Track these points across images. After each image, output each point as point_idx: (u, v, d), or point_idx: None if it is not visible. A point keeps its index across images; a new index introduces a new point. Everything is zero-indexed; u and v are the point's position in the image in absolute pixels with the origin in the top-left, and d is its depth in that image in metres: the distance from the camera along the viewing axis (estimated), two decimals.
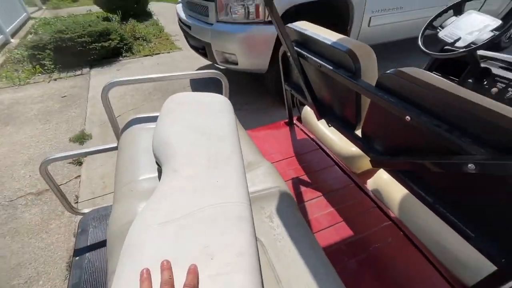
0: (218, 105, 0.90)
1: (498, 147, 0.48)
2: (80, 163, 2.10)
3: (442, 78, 0.60)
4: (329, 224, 0.92)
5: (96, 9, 6.32)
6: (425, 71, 0.64)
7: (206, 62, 3.48)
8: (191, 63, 3.80)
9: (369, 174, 1.11)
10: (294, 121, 1.47)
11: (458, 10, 1.28)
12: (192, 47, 2.87)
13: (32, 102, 2.94)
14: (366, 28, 2.59)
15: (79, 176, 1.99)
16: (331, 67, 0.81)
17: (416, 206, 0.87)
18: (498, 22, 1.10)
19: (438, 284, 0.76)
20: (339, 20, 2.50)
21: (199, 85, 3.21)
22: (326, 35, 0.86)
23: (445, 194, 0.64)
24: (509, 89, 1.25)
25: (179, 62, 3.90)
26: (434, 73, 1.61)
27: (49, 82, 3.37)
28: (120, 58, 4.05)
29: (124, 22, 5.20)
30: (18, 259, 1.46)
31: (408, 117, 0.60)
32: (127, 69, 3.74)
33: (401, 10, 2.66)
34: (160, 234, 0.49)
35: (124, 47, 4.15)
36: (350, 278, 0.77)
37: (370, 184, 1.06)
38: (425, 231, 0.84)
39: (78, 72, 3.57)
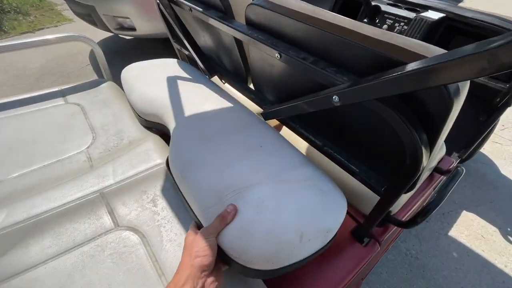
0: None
1: (361, 73, 0.44)
2: None
3: (307, 3, 0.52)
4: None
5: None
6: None
7: (109, 33, 2.94)
8: (90, 37, 3.17)
9: (278, 127, 1.07)
10: None
11: None
12: (77, 14, 2.35)
13: None
14: None
15: None
16: (200, 9, 0.67)
17: (317, 152, 0.86)
18: None
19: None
20: None
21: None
22: None
23: (330, 135, 0.62)
24: (396, 24, 1.31)
25: None
26: None
27: None
28: None
29: None
30: None
31: (277, 54, 0.52)
32: None
33: None
34: None
35: None
36: None
37: None
38: (329, 173, 0.85)
39: None
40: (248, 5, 0.57)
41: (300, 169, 0.57)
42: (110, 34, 2.97)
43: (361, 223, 0.78)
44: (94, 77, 2.57)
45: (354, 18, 1.49)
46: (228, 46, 0.76)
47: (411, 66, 0.32)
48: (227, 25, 0.61)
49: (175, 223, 0.60)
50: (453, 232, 1.45)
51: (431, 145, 0.43)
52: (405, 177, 0.47)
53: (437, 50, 0.35)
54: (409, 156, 0.43)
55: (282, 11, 0.50)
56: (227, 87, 0.95)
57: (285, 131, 1.01)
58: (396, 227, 0.78)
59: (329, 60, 0.48)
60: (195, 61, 0.96)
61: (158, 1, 0.81)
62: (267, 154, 0.58)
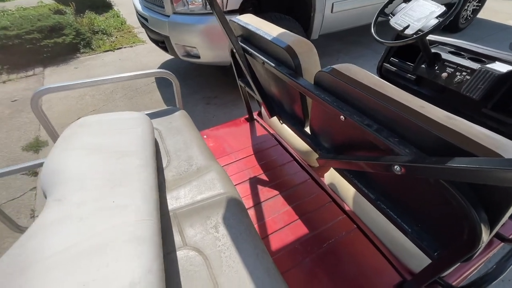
0: (131, 122, 0.83)
1: (424, 148, 0.48)
2: (35, 174, 1.95)
3: (373, 76, 0.58)
4: (285, 224, 0.91)
5: (48, 0, 5.79)
6: (358, 68, 0.62)
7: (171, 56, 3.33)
8: (156, 57, 3.62)
9: (326, 167, 1.11)
10: (255, 116, 1.43)
11: None
12: (152, 40, 2.72)
13: None
14: (329, 14, 2.57)
15: (35, 188, 1.86)
16: (273, 65, 0.78)
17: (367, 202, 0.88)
18: (443, 8, 1.11)
19: (387, 273, 0.78)
20: (302, 7, 2.46)
21: (165, 82, 3.07)
22: (268, 30, 0.82)
23: (384, 192, 0.65)
24: (457, 73, 1.29)
25: (143, 57, 3.69)
26: (392, 59, 1.64)
27: None
28: (78, 54, 3.77)
29: (81, 15, 4.82)
30: None
31: (342, 117, 0.59)
32: (86, 67, 3.50)
33: None
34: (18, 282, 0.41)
35: (82, 42, 3.86)
36: (303, 277, 0.77)
37: (327, 177, 1.06)
38: (375, 222, 0.86)
39: (30, 73, 3.28)
40: (319, 71, 0.65)
41: None
42: (171, 57, 3.36)
43: (407, 280, 0.77)
44: (157, 93, 2.90)
45: (412, 62, 1.50)
46: (291, 95, 0.85)
47: (483, 162, 0.34)
48: (297, 83, 0.70)
49: (233, 251, 0.67)
50: None
51: (492, 224, 0.44)
52: (462, 250, 0.48)
53: (509, 146, 0.38)
54: (467, 232, 0.45)
55: (350, 82, 0.57)
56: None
57: (333, 174, 1.05)
58: None
59: (392, 131, 0.52)
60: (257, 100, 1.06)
61: (234, 51, 0.94)
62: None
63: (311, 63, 0.75)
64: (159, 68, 3.33)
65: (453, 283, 0.75)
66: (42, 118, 0.98)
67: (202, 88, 2.91)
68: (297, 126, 0.90)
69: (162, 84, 3.04)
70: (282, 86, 0.87)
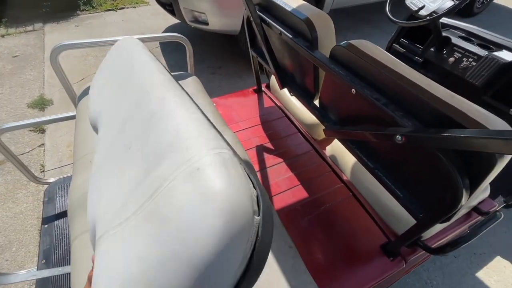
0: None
1: (424, 122, 0.54)
2: (42, 131, 1.99)
3: (387, 53, 0.63)
4: (287, 188, 0.99)
5: None
6: (373, 45, 0.66)
7: (177, 20, 3.22)
8: (160, 21, 3.50)
9: (328, 141, 1.18)
10: (263, 88, 1.47)
11: None
12: (159, 2, 2.63)
13: None
14: None
15: (43, 144, 1.91)
16: (290, 36, 0.81)
17: (364, 170, 0.96)
18: None
19: (375, 234, 0.89)
20: None
21: (169, 47, 3.01)
22: (288, 1, 0.84)
23: (383, 161, 0.72)
24: (464, 59, 1.32)
25: (147, 19, 3.56)
26: (402, 41, 1.64)
27: None
28: (79, 12, 3.62)
29: None
30: None
31: (353, 90, 0.64)
32: (87, 26, 3.38)
33: None
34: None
35: None
36: (301, 233, 0.87)
37: (328, 150, 1.13)
38: (369, 191, 0.95)
39: (30, 28, 3.17)
40: (336, 45, 0.69)
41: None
42: (177, 21, 3.24)
43: (391, 240, 0.88)
44: (161, 59, 2.86)
45: (421, 44, 1.51)
46: (304, 68, 0.89)
47: (472, 132, 0.41)
48: (312, 55, 0.74)
49: None
50: (482, 274, 1.44)
51: (471, 189, 0.52)
52: (443, 210, 0.56)
53: (496, 121, 0.44)
54: (450, 195, 0.53)
55: (365, 57, 0.61)
56: None
57: (334, 147, 1.12)
58: (423, 252, 0.86)
59: (398, 105, 0.58)
60: (266, 72, 1.08)
61: (251, 19, 0.95)
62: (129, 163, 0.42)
63: (328, 37, 0.78)
64: (164, 33, 3.23)
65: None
66: (60, 74, 1.00)
67: (208, 57, 2.87)
68: (306, 98, 0.95)
69: (166, 50, 2.98)
70: (296, 58, 0.91)
